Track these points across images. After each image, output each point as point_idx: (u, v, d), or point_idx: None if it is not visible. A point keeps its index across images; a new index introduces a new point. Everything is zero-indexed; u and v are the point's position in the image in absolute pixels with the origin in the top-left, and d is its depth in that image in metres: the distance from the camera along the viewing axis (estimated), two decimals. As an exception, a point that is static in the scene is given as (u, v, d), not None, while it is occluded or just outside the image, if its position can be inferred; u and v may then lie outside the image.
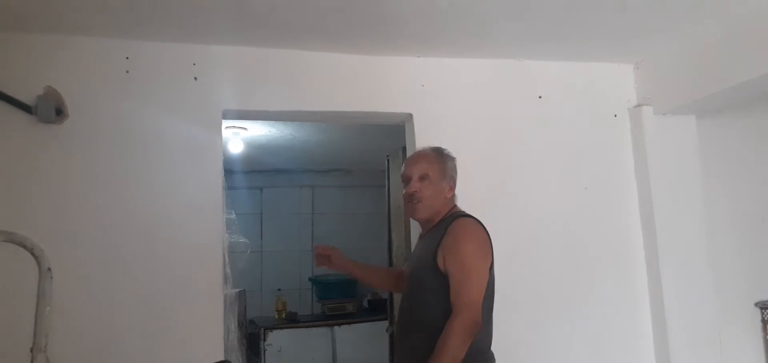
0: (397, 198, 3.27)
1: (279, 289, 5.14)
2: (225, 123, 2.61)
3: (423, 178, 1.99)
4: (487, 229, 1.93)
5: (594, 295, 2.86)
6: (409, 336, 1.94)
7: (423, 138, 2.66)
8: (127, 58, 2.41)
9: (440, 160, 2.04)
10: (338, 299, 4.99)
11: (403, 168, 2.10)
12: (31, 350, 1.31)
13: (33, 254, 1.35)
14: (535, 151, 2.88)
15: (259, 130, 3.86)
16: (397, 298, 2.87)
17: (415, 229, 2.48)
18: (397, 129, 2.93)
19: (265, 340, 4.56)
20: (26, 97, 2.22)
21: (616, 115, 3.03)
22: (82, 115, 2.31)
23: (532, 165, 2.87)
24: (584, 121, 2.97)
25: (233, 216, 2.56)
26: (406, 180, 2.04)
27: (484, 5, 2.26)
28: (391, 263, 3.45)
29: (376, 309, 4.92)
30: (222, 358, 2.29)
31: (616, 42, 2.76)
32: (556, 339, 2.76)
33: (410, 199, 2.00)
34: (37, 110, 2.22)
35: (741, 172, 3.15)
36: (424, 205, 1.98)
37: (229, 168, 2.89)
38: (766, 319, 3.04)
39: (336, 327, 4.75)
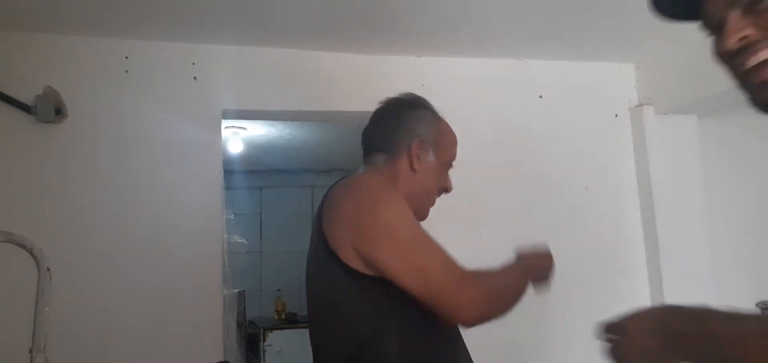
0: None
1: (279, 290, 5.13)
2: (224, 123, 2.60)
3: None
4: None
5: (594, 295, 2.83)
6: None
7: (423, 138, 2.65)
8: (127, 57, 2.40)
9: None
10: (338, 300, 4.96)
11: None
12: (30, 351, 1.30)
13: (32, 254, 1.34)
14: (536, 150, 2.87)
15: (259, 130, 3.85)
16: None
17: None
18: (397, 129, 2.92)
19: (264, 341, 4.55)
20: (25, 96, 2.21)
21: (616, 115, 3.01)
22: (82, 114, 2.31)
23: (533, 165, 2.85)
24: (585, 121, 2.96)
25: (231, 216, 2.55)
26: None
27: (484, 4, 2.25)
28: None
29: (376, 309, 4.90)
30: (221, 359, 2.29)
31: (617, 41, 2.74)
32: (555, 339, 2.74)
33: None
34: (37, 110, 2.20)
35: (743, 172, 3.14)
36: None
37: (229, 168, 2.88)
38: (767, 319, 3.04)
39: (336, 327, 4.73)
